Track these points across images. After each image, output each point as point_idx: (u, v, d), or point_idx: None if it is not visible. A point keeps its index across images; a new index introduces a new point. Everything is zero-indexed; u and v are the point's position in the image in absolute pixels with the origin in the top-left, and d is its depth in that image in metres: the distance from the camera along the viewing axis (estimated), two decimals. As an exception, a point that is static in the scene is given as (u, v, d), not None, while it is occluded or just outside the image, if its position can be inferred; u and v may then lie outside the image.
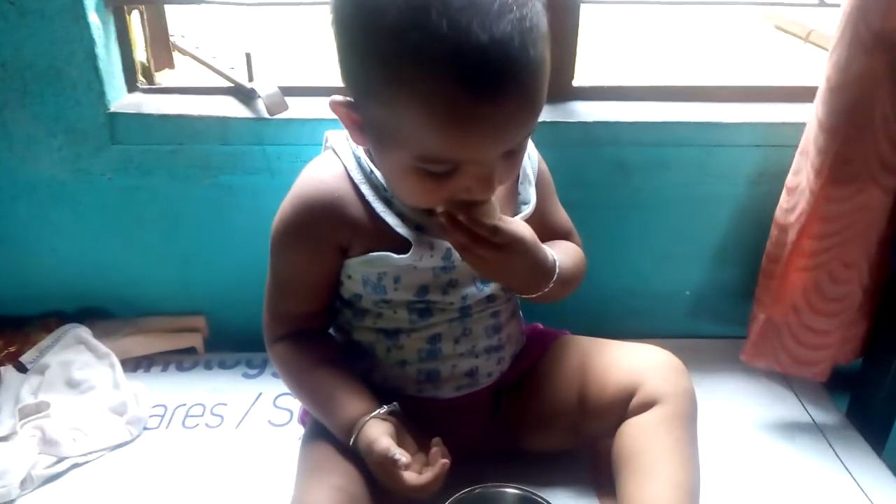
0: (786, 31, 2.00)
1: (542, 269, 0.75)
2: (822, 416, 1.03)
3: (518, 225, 0.72)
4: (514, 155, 0.67)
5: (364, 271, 0.77)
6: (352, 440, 0.74)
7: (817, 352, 1.02)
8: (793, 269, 0.98)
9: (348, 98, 0.68)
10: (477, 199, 0.67)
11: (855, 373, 1.10)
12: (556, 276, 0.76)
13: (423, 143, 0.62)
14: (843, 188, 0.91)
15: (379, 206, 0.74)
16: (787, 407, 1.04)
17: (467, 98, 0.58)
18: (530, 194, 0.81)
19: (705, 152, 1.03)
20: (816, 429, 1.00)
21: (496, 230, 0.69)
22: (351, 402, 0.76)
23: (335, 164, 0.77)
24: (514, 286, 0.78)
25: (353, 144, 0.76)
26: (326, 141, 0.81)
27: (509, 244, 0.70)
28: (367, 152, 0.75)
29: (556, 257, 0.77)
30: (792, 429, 1.00)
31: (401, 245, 0.75)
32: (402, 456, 0.69)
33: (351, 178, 0.75)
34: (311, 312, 0.82)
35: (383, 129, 0.65)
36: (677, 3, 1.38)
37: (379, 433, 0.72)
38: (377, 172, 0.75)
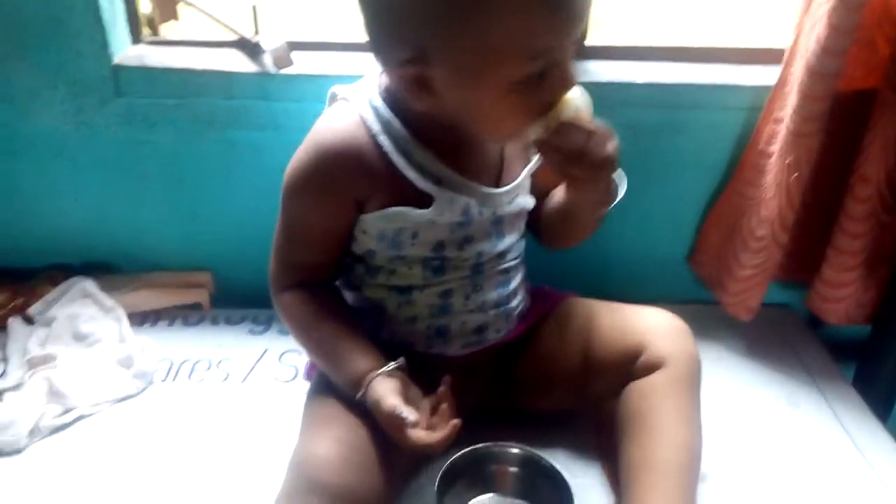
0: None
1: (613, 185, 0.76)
2: (828, 384, 1.02)
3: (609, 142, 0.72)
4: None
5: (381, 226, 0.76)
6: (358, 395, 0.74)
7: (737, 283, 1.04)
8: (735, 192, 1.02)
9: (413, 55, 0.65)
10: (567, 89, 0.67)
11: (862, 342, 1.10)
12: (622, 191, 0.76)
13: (529, 40, 0.62)
14: (770, 143, 0.96)
15: (397, 159, 0.73)
16: (792, 374, 1.04)
17: None
18: None
19: (720, 115, 1.01)
20: (821, 396, 1.00)
21: (585, 151, 0.68)
22: (358, 358, 0.76)
23: (352, 113, 0.75)
24: (596, 200, 0.77)
25: (370, 94, 0.75)
26: (335, 96, 0.79)
27: (600, 162, 0.70)
28: (398, 109, 0.73)
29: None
30: (796, 395, 1.00)
31: (419, 199, 0.74)
32: (409, 414, 0.69)
33: (368, 129, 0.74)
34: (321, 264, 0.81)
35: (474, 60, 0.64)
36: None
37: (386, 390, 0.72)
38: (395, 123, 0.73)
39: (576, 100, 0.69)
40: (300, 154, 0.76)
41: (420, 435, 0.70)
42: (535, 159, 0.81)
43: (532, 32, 0.63)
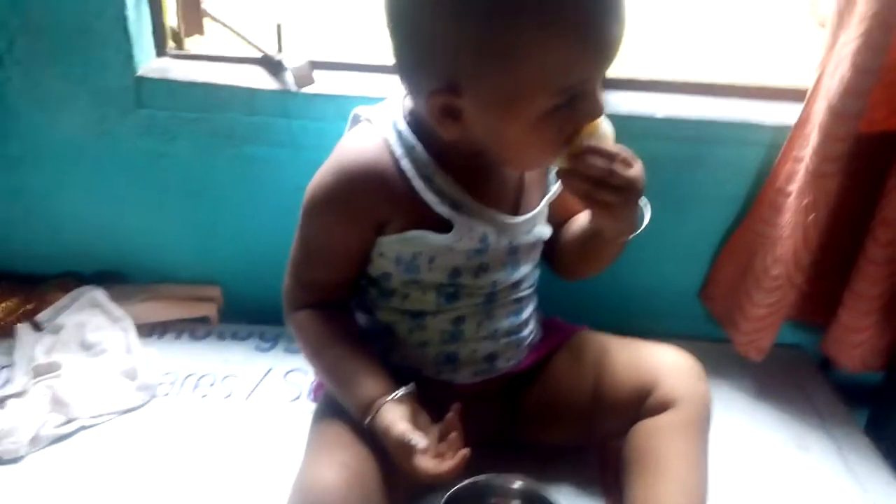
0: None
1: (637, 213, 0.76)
2: (839, 429, 1.01)
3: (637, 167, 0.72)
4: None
5: (399, 249, 0.76)
6: (367, 421, 0.73)
7: (749, 322, 1.03)
8: (750, 229, 1.01)
9: (443, 85, 0.65)
10: (595, 117, 0.68)
11: (876, 388, 1.08)
12: (647, 217, 0.76)
13: (563, 75, 0.63)
14: (789, 182, 0.96)
15: (418, 183, 0.73)
16: (803, 417, 1.02)
17: (610, 18, 0.62)
18: None
19: (739, 151, 1.01)
20: (832, 441, 0.98)
21: (612, 173, 0.69)
22: (369, 382, 0.75)
23: (375, 135, 0.75)
24: (621, 226, 0.76)
25: (395, 117, 0.75)
26: (359, 117, 0.79)
27: (627, 185, 0.70)
28: (421, 133, 0.73)
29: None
30: (807, 439, 0.99)
31: (438, 225, 0.74)
32: (419, 441, 0.68)
33: (392, 152, 0.74)
34: (337, 283, 0.81)
35: (507, 93, 0.64)
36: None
37: (396, 417, 0.71)
38: (418, 147, 0.73)
39: (599, 126, 0.69)
40: (323, 173, 0.75)
41: (429, 464, 0.69)
42: (554, 189, 0.81)
43: (566, 67, 0.63)
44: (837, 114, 0.86)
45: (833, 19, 0.90)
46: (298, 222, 0.78)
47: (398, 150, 0.73)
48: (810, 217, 0.92)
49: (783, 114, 1.00)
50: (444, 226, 0.74)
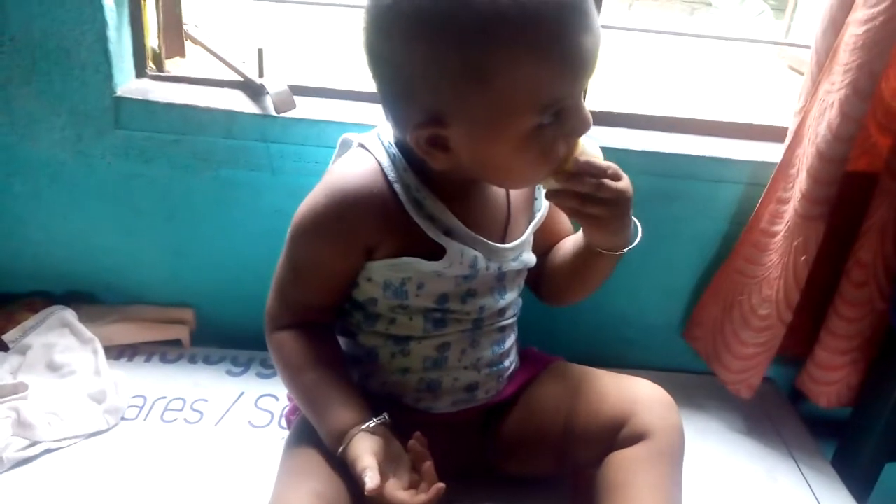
0: (798, 72, 2.01)
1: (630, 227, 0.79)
2: (807, 462, 1.02)
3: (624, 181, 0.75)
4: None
5: (388, 275, 0.76)
6: (340, 450, 0.72)
7: (738, 361, 1.03)
8: (734, 270, 1.02)
9: (428, 118, 0.67)
10: (582, 132, 0.69)
11: (843, 421, 1.10)
12: (639, 234, 0.79)
13: (542, 91, 0.64)
14: (773, 223, 0.97)
15: (409, 208, 0.73)
16: (773, 449, 1.03)
17: (578, 30, 0.63)
18: (543, 200, 0.83)
19: (713, 188, 1.03)
20: (800, 474, 1.00)
21: (600, 186, 0.71)
22: (343, 410, 0.74)
23: (369, 160, 0.75)
24: (614, 241, 0.79)
25: (387, 141, 0.75)
26: (350, 142, 0.80)
27: (616, 197, 0.73)
28: (411, 160, 0.73)
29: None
30: (775, 472, 0.99)
31: (428, 250, 0.74)
32: (370, 482, 0.67)
33: (386, 177, 0.74)
34: (322, 306, 0.80)
35: (489, 116, 0.65)
36: (663, 33, 1.37)
37: (365, 450, 0.70)
38: (409, 172, 0.74)
39: (586, 144, 0.71)
40: (317, 195, 0.75)
41: (403, 497, 0.68)
42: (539, 216, 0.82)
43: (544, 84, 0.64)
44: (826, 158, 0.88)
45: (812, 67, 0.92)
46: (286, 243, 0.78)
47: (392, 175, 0.74)
48: (802, 258, 0.93)
49: (759, 152, 1.02)
50: (433, 252, 0.75)
